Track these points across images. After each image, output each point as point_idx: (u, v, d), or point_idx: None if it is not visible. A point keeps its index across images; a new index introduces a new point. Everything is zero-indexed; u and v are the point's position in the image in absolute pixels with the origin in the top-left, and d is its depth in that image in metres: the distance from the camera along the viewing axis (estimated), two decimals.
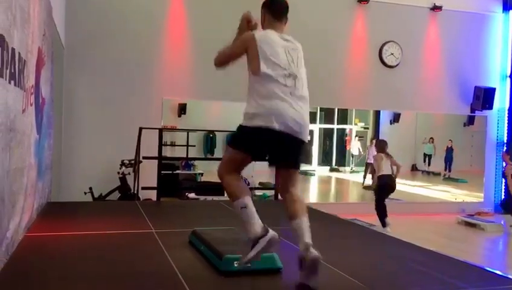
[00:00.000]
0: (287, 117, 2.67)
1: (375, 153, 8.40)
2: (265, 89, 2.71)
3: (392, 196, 8.43)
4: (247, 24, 2.98)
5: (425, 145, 12.00)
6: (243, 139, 2.78)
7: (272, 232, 2.61)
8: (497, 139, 10.68)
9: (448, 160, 11.82)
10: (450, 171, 11.83)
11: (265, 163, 2.95)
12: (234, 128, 2.90)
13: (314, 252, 2.53)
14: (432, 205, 10.63)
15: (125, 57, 8.12)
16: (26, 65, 3.29)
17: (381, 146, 8.39)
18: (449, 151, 11.70)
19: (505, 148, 10.12)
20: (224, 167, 2.82)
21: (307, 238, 2.60)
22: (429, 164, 12.25)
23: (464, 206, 10.00)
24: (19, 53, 2.97)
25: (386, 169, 8.10)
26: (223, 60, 2.96)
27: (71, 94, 7.81)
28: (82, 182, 7.32)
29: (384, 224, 7.95)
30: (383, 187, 8.15)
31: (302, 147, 2.81)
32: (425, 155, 12.26)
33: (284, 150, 2.77)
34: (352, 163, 13.18)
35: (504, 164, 9.28)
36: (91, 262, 3.05)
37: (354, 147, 12.96)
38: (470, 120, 11.06)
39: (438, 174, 12.40)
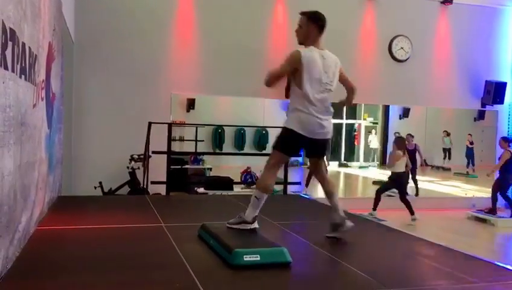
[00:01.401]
0: (313, 127, 3.42)
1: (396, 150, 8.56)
2: (303, 103, 3.39)
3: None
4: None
5: (444, 138, 11.93)
6: (284, 142, 3.51)
7: (255, 225, 3.48)
8: (508, 134, 10.58)
9: (470, 156, 11.73)
10: (468, 166, 11.77)
11: None
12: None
13: (349, 223, 3.52)
14: (442, 200, 10.56)
15: (134, 52, 8.13)
16: (37, 60, 3.31)
17: (400, 143, 8.59)
18: (470, 146, 11.62)
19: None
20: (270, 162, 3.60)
21: (341, 212, 3.56)
22: (449, 158, 12.17)
23: (474, 202, 9.92)
24: (30, 48, 2.98)
25: (399, 167, 8.43)
26: (273, 80, 3.49)
27: (81, 89, 7.85)
28: (92, 177, 7.36)
29: (412, 213, 8.44)
30: (397, 183, 8.52)
31: (325, 143, 3.60)
32: (444, 150, 12.17)
33: (311, 147, 3.57)
34: (374, 158, 13.21)
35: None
36: (101, 256, 3.07)
37: (373, 141, 13.03)
38: (481, 115, 10.96)
39: (448, 169, 12.33)
